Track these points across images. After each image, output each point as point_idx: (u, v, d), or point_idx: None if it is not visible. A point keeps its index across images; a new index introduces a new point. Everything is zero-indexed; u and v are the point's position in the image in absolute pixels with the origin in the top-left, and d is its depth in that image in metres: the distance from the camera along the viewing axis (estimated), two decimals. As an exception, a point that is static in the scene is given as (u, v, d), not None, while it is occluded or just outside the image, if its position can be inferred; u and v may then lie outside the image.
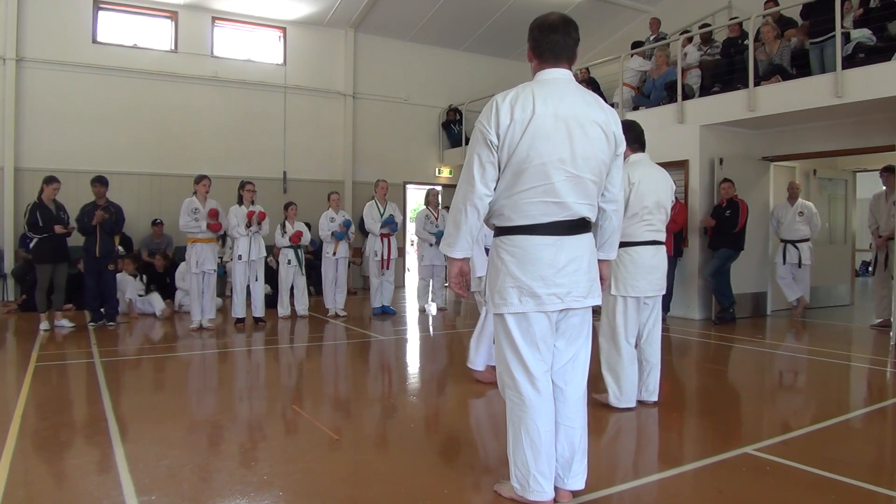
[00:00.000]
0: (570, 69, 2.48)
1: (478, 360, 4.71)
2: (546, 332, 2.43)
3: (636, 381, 3.92)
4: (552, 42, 2.42)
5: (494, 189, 2.39)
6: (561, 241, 2.38)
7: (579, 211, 2.40)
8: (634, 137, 3.90)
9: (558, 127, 2.32)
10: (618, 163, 2.53)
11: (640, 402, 3.98)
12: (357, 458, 3.19)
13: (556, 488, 2.49)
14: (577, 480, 2.52)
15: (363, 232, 9.12)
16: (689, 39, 8.79)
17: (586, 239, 2.47)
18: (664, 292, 4.03)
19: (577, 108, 2.37)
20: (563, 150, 2.32)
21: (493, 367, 4.73)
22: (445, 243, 2.47)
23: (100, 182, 7.30)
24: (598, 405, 3.89)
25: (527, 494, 2.44)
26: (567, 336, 2.50)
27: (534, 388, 2.40)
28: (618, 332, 3.88)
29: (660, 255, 3.95)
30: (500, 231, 2.45)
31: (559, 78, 2.43)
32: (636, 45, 10.08)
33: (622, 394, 3.86)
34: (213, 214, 7.19)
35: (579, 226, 2.43)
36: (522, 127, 2.29)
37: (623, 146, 2.53)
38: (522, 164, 2.31)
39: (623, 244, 3.56)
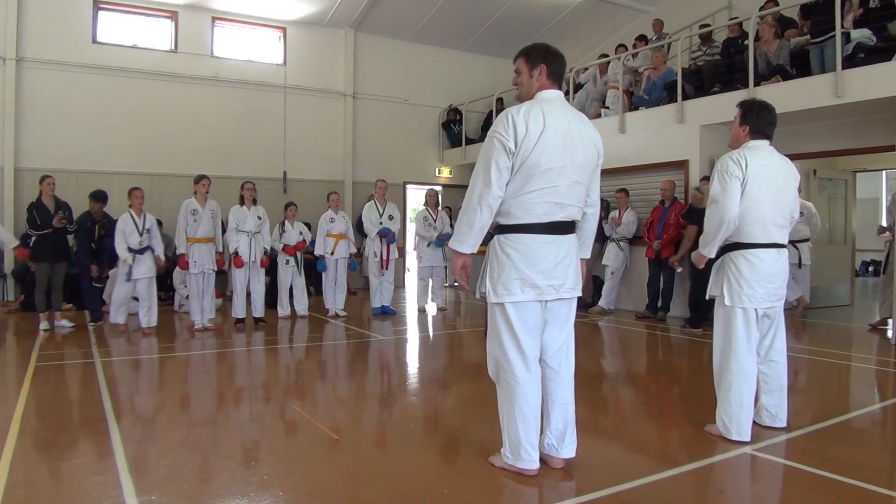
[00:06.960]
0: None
1: (116, 315, 6.86)
2: (538, 320, 2.81)
3: (752, 408, 3.34)
4: (560, 67, 2.86)
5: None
6: (559, 240, 2.77)
7: (573, 213, 2.82)
8: (756, 120, 3.34)
9: (563, 139, 2.71)
10: (597, 172, 2.95)
11: (767, 428, 3.48)
12: (357, 458, 3.19)
13: (550, 457, 2.90)
14: (570, 449, 2.90)
15: (361, 233, 9.12)
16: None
17: (574, 239, 2.88)
18: (783, 301, 3.47)
19: (575, 124, 2.79)
20: (566, 159, 2.72)
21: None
22: (456, 240, 2.79)
23: (95, 199, 7.44)
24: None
25: (518, 463, 2.80)
26: (558, 324, 2.87)
27: (527, 370, 2.77)
28: (731, 348, 3.33)
29: (782, 260, 3.38)
30: (505, 229, 2.78)
31: (557, 97, 2.84)
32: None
33: (732, 422, 3.30)
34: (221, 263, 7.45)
35: (570, 227, 2.84)
36: (536, 137, 2.65)
37: (602, 159, 2.91)
38: (533, 169, 2.67)
39: (737, 246, 3.34)
